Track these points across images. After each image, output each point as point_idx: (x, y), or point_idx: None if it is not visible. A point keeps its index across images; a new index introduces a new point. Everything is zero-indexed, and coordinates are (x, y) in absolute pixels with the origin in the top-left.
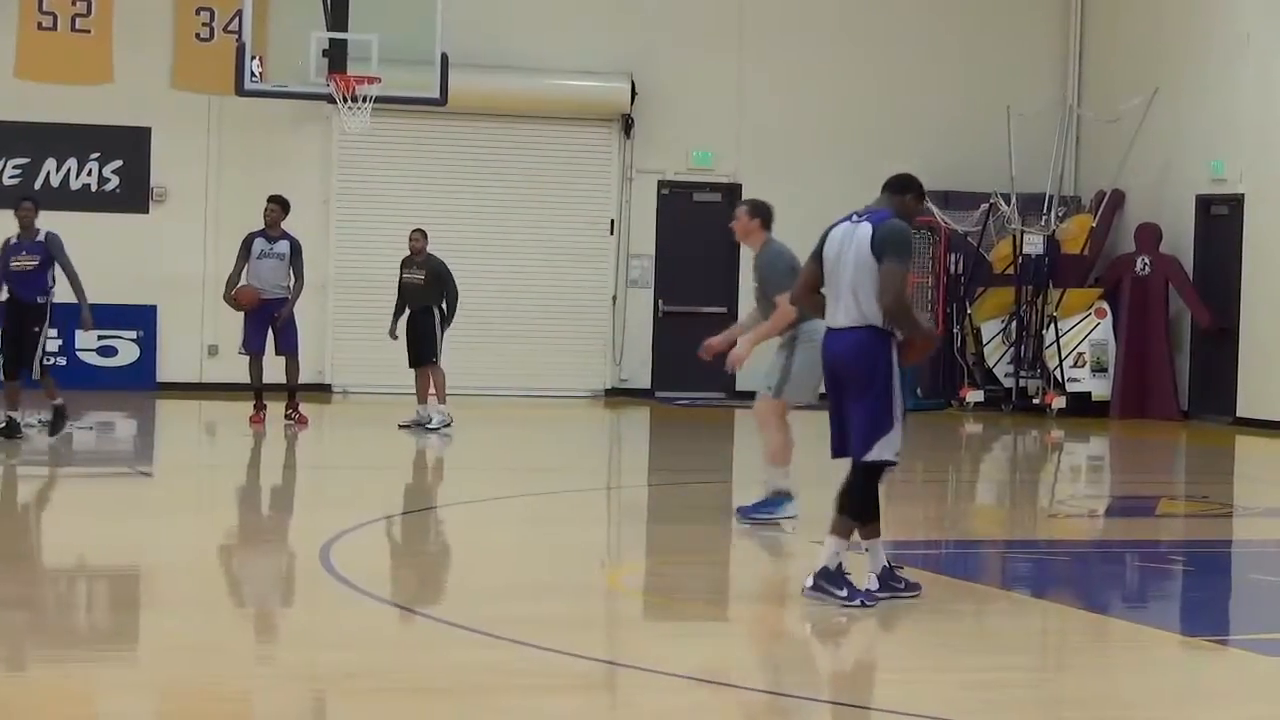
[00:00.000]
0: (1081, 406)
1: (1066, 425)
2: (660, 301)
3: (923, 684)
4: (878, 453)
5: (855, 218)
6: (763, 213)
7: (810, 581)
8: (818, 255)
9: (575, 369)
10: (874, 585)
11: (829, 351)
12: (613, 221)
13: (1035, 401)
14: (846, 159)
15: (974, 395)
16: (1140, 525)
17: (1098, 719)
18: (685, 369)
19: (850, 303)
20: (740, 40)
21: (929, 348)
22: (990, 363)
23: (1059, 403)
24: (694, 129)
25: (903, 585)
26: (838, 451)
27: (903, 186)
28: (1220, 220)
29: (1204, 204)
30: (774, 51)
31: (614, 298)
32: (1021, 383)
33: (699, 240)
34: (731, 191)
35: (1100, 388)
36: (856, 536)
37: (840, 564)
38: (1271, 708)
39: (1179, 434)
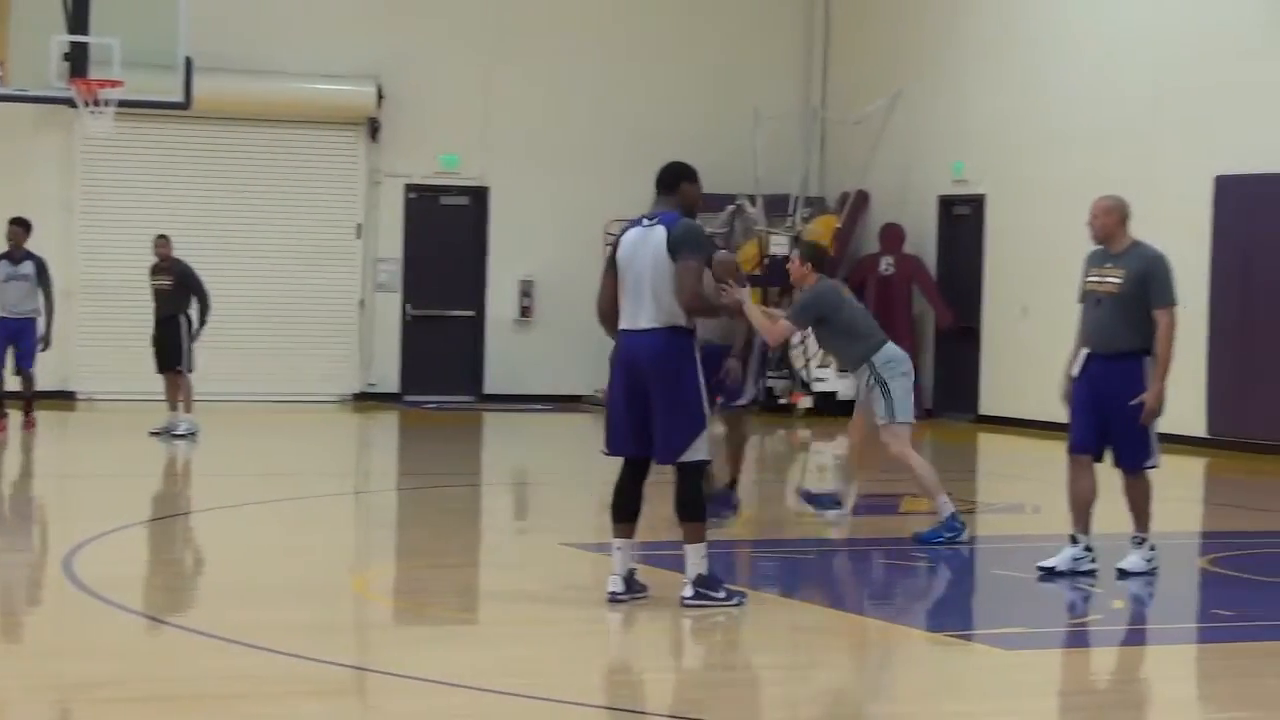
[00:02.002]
0: (828, 406)
1: (813, 425)
2: (408, 305)
3: (671, 683)
4: (693, 453)
5: (646, 221)
6: (814, 256)
7: (689, 591)
8: (613, 264)
9: (323, 374)
10: (619, 587)
11: (627, 352)
12: (359, 225)
13: (782, 402)
14: (594, 161)
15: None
16: (884, 523)
17: (845, 715)
18: (434, 372)
19: (651, 305)
20: (488, 44)
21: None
22: None
23: (805, 403)
24: (441, 132)
25: (639, 588)
26: (619, 450)
27: (675, 179)
28: (962, 220)
29: (946, 204)
30: (521, 55)
31: (361, 302)
32: (768, 383)
33: (447, 243)
34: (479, 194)
35: (846, 388)
36: (610, 535)
37: (710, 567)
38: (1014, 700)
39: (923, 432)
